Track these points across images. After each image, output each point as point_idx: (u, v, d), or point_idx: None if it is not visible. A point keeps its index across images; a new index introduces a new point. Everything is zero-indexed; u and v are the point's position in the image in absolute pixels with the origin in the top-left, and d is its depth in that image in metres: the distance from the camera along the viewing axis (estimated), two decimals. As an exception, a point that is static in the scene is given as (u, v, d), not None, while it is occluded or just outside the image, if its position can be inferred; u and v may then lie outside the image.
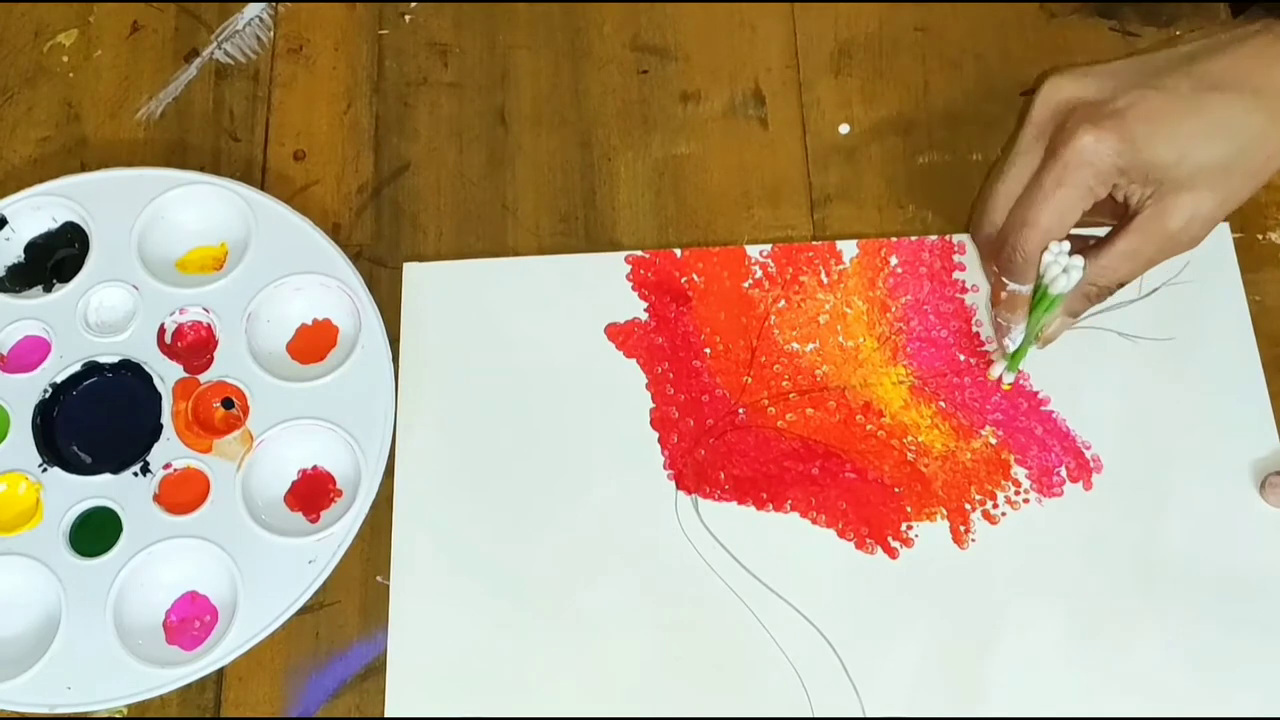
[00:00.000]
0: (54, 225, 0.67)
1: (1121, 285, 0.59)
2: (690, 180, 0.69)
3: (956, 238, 0.66)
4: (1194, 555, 0.60)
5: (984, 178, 0.68)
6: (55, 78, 0.72)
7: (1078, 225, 0.57)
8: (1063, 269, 0.56)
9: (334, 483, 0.62)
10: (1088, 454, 0.62)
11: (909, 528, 0.61)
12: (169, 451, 0.62)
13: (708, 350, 0.64)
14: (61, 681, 0.58)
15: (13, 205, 0.66)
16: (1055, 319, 0.60)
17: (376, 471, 0.62)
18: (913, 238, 0.66)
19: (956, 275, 0.65)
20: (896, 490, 0.61)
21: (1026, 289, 0.58)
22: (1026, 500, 0.61)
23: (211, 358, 0.63)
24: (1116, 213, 0.59)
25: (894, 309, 0.65)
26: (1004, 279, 0.59)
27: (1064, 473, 0.61)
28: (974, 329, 0.64)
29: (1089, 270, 0.57)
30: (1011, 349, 0.61)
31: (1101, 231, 0.59)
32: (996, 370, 0.63)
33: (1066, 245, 0.56)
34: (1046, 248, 0.56)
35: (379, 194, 0.69)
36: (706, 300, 0.65)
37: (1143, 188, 0.56)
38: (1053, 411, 0.63)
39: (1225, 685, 0.58)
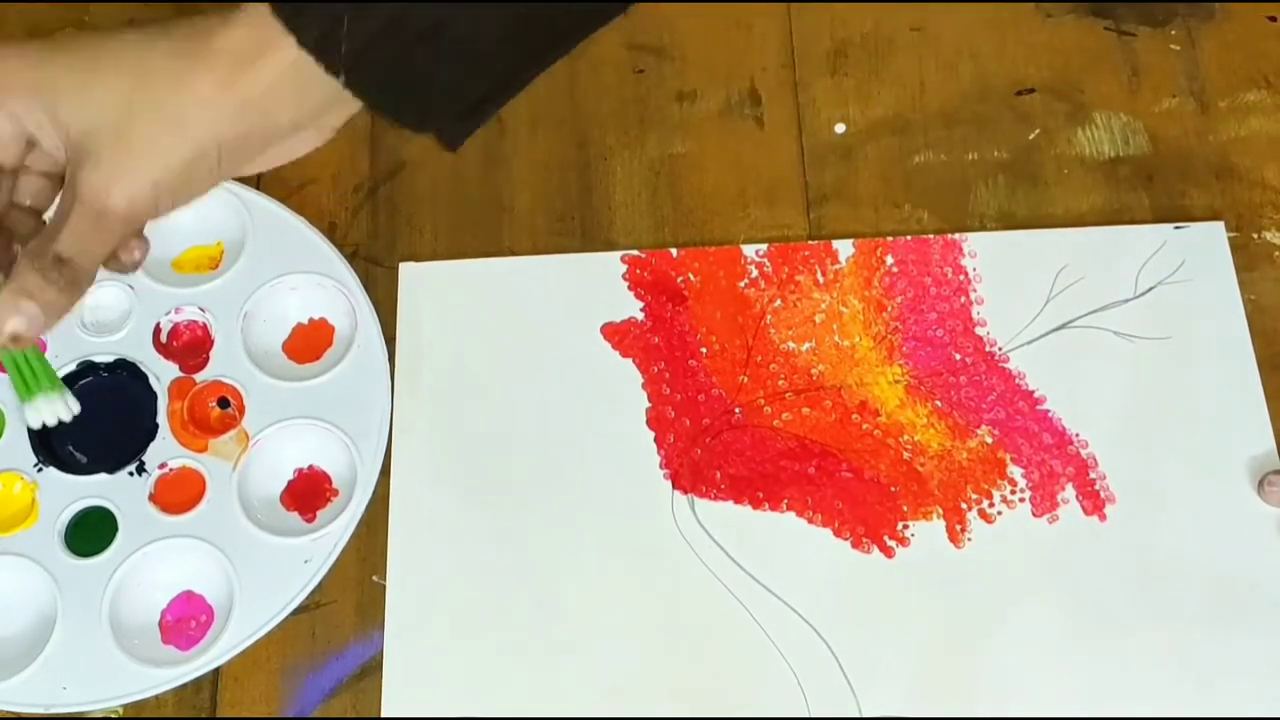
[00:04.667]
0: (49, 225, 0.67)
1: (66, 260, 0.48)
2: (686, 180, 0.69)
3: (953, 237, 0.66)
4: (1190, 554, 0.60)
5: (978, 178, 0.68)
6: (50, 77, 0.72)
7: None
8: None
9: (330, 482, 0.62)
10: (1084, 453, 0.62)
11: (905, 527, 0.61)
12: (165, 451, 0.62)
13: (704, 350, 0.64)
14: (57, 681, 0.58)
15: (8, 205, 0.66)
16: (3, 300, 0.47)
17: (372, 471, 0.62)
18: (908, 237, 0.66)
19: (952, 274, 0.65)
20: (893, 489, 0.61)
21: None
22: (1023, 499, 0.61)
23: (207, 357, 0.63)
24: None
25: (890, 308, 0.65)
26: None
27: (1070, 493, 0.61)
28: (972, 329, 0.64)
29: (37, 239, 0.48)
30: None
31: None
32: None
33: None
34: None
35: (375, 193, 0.69)
36: (702, 300, 0.65)
37: (55, 132, 0.47)
38: (1049, 410, 0.63)
39: (1222, 685, 0.58)
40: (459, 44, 0.47)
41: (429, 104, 0.48)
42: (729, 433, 0.63)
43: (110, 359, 0.64)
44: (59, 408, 0.51)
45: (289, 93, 0.47)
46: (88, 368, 0.64)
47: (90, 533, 0.61)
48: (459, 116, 0.49)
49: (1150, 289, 0.65)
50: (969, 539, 0.60)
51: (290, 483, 0.63)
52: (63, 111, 0.46)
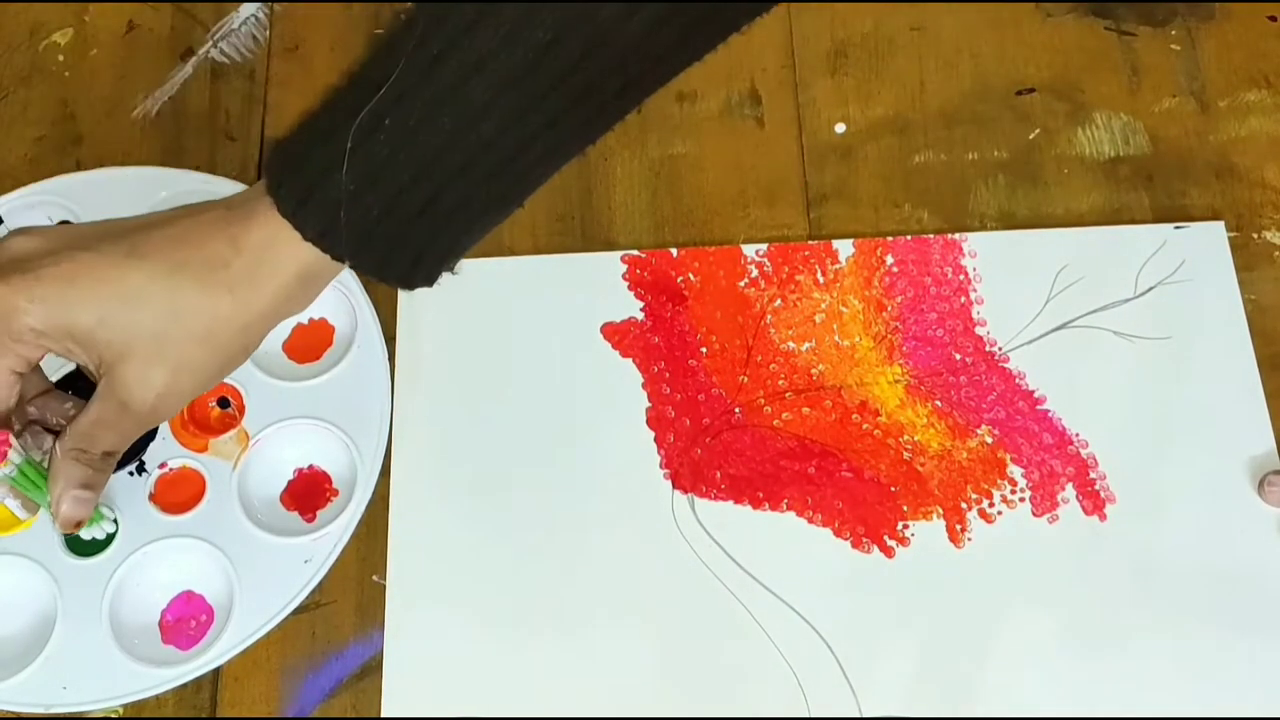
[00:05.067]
0: (50, 224, 0.67)
1: (113, 452, 0.55)
2: (686, 180, 0.69)
3: (953, 237, 0.66)
4: (1190, 554, 0.60)
5: (978, 177, 0.68)
6: (51, 77, 0.72)
7: None
8: None
9: (330, 482, 0.62)
10: (1084, 453, 0.62)
11: (905, 527, 0.61)
12: (165, 451, 0.62)
13: (704, 349, 0.64)
14: (57, 681, 0.58)
15: (8, 204, 0.66)
16: (64, 494, 0.54)
17: (372, 471, 0.62)
18: (908, 237, 0.66)
19: (952, 274, 0.65)
20: (893, 489, 0.61)
21: None
22: (1023, 499, 0.61)
23: (207, 357, 0.63)
24: None
25: (890, 308, 0.65)
26: None
27: (1070, 493, 0.61)
28: (972, 328, 0.64)
29: (72, 436, 0.54)
30: (22, 518, 0.58)
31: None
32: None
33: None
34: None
35: (375, 193, 0.69)
36: (702, 299, 0.65)
37: (87, 354, 0.53)
38: (1049, 410, 0.63)
39: (1222, 684, 0.58)
40: (453, 213, 0.52)
41: (428, 267, 0.54)
42: (729, 433, 0.63)
43: (110, 359, 0.64)
44: (95, 532, 0.59)
45: (301, 290, 0.54)
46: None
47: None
48: (450, 266, 0.55)
49: (1150, 289, 0.64)
50: (969, 539, 0.60)
51: (290, 483, 0.63)
52: (99, 341, 0.52)
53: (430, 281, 0.55)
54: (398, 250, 0.52)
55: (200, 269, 0.52)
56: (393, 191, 0.50)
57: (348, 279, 0.65)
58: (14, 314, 0.52)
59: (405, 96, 0.49)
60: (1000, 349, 0.64)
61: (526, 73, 0.49)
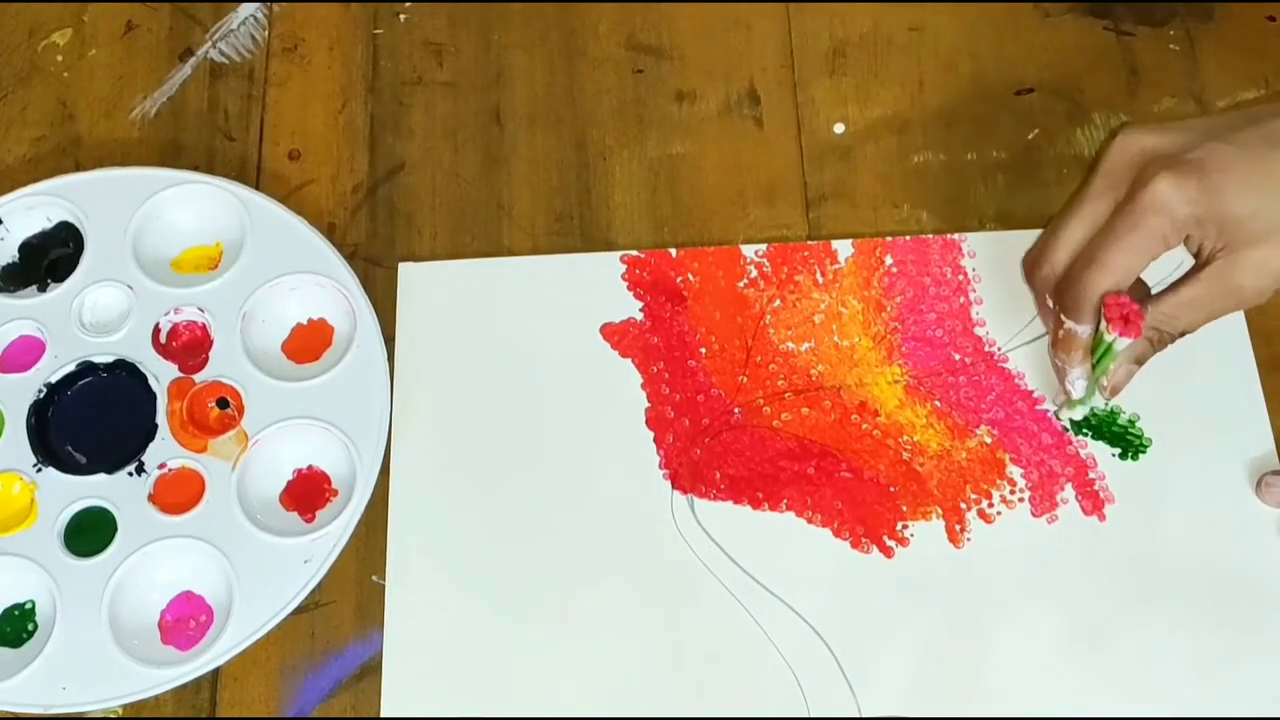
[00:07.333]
0: (48, 225, 0.67)
1: (1184, 334, 0.59)
2: (685, 180, 0.69)
3: (952, 237, 0.66)
4: (1189, 554, 0.60)
5: (977, 178, 0.68)
6: (49, 77, 0.72)
7: None
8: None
9: (329, 482, 0.62)
10: (1083, 453, 0.62)
11: (904, 527, 0.61)
12: (164, 451, 0.62)
13: (703, 350, 0.64)
14: (56, 682, 0.58)
15: (7, 205, 0.66)
16: (1120, 367, 0.59)
17: (372, 471, 0.62)
18: (908, 237, 0.66)
19: (951, 274, 0.65)
20: (892, 489, 0.61)
21: (1084, 330, 0.57)
22: (1022, 499, 0.61)
23: (206, 357, 0.63)
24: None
25: (889, 308, 0.65)
26: (1064, 318, 0.58)
27: (1070, 493, 0.61)
28: (972, 329, 0.65)
29: (1152, 316, 0.57)
30: (1075, 396, 0.60)
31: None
32: (1065, 414, 0.62)
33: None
34: (1112, 292, 0.56)
35: (374, 193, 0.69)
36: (702, 300, 0.65)
37: (1215, 240, 0.56)
38: (1048, 410, 0.63)
39: (1220, 685, 0.58)
40: None
41: None
42: (728, 433, 0.63)
43: (109, 359, 0.64)
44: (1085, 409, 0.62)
45: None
46: (87, 368, 0.64)
47: (89, 533, 0.60)
48: None
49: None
50: (968, 539, 0.61)
51: (289, 483, 0.63)
52: (1242, 229, 0.55)
53: None
54: None
55: None
56: None
57: (347, 278, 0.65)
58: (1183, 202, 0.55)
59: None
60: (999, 349, 0.64)
61: None
